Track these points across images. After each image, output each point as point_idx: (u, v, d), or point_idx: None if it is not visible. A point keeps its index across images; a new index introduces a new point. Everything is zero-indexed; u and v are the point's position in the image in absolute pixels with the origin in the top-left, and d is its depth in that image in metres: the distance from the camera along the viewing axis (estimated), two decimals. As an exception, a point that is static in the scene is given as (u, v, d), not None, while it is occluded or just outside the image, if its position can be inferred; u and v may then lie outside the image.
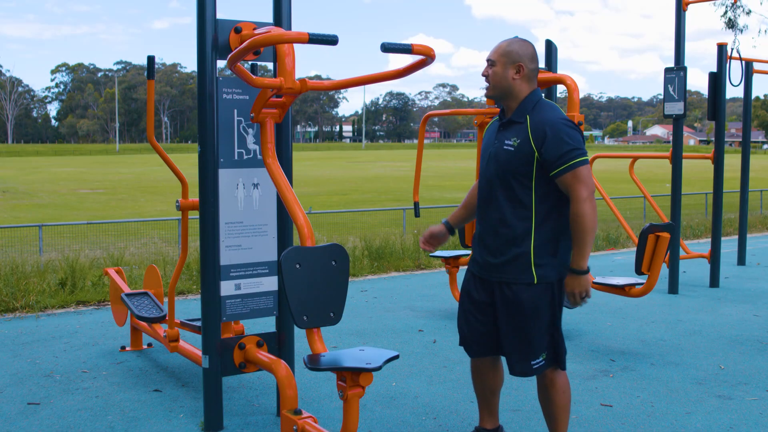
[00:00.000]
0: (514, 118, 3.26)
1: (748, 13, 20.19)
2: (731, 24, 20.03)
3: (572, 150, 3.13)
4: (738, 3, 19.73)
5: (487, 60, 3.32)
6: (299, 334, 4.83)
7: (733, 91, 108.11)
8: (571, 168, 3.12)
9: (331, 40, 3.05)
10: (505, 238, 3.26)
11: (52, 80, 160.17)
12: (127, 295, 5.56)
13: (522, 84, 3.26)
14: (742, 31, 20.42)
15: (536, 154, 3.15)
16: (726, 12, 19.86)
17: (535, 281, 3.23)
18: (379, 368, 3.16)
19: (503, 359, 3.60)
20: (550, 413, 3.46)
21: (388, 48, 3.11)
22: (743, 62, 9.01)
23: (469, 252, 7.08)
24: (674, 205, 8.09)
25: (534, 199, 3.21)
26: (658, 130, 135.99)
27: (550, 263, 3.25)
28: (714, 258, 8.55)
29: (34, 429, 4.09)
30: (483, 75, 3.33)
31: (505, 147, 3.23)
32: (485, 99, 6.56)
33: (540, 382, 3.46)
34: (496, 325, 3.38)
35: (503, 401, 4.48)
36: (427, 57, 3.26)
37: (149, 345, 5.81)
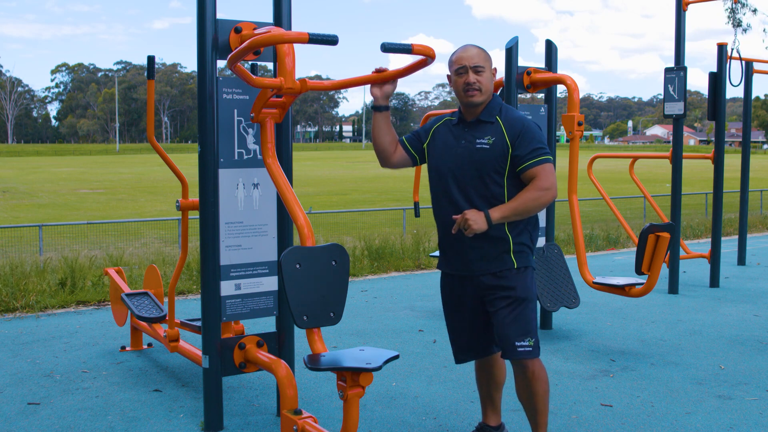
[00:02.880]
0: (483, 118, 3.37)
1: (754, 11, 20.17)
2: (735, 21, 20.01)
3: (542, 148, 3.34)
4: (741, 1, 19.72)
5: (472, 67, 3.33)
6: (299, 334, 4.83)
7: (733, 91, 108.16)
8: (540, 163, 3.32)
9: (331, 40, 3.05)
10: (484, 235, 3.33)
11: (52, 80, 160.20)
12: (127, 295, 5.56)
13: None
14: (745, 30, 20.41)
15: (510, 149, 3.31)
16: (732, 9, 19.83)
17: (516, 266, 3.39)
18: (379, 368, 3.16)
19: None
20: (533, 406, 3.46)
21: (388, 48, 3.11)
22: (743, 62, 9.01)
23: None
24: (674, 205, 8.09)
25: (506, 194, 3.35)
26: (658, 130, 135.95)
27: (527, 251, 3.45)
28: (714, 258, 8.55)
29: (34, 429, 4.09)
30: (469, 83, 3.32)
31: (478, 146, 3.34)
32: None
33: (522, 375, 3.43)
34: (486, 320, 3.52)
35: (503, 402, 4.47)
36: (427, 57, 3.27)
37: (149, 345, 5.80)
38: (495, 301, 3.41)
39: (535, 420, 3.50)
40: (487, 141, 3.33)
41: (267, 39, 3.25)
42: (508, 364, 3.68)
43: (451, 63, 3.41)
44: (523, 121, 3.36)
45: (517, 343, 3.36)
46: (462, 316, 3.58)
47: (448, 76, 3.49)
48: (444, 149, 3.43)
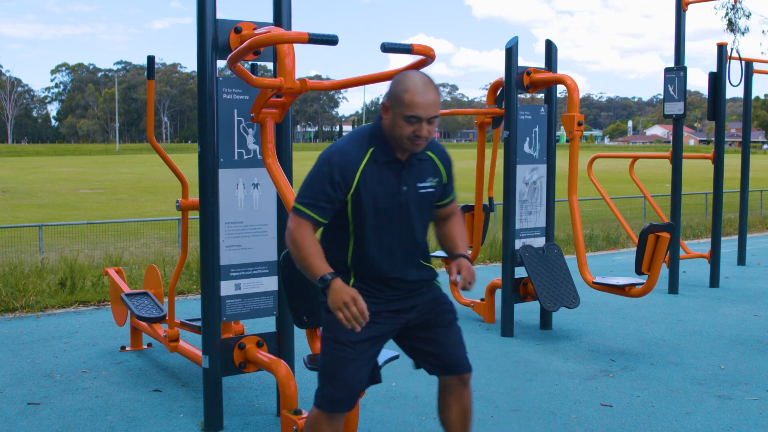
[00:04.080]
0: (418, 155, 2.90)
1: (749, 16, 20.23)
2: (731, 26, 20.06)
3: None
4: (738, 4, 19.77)
5: (429, 119, 2.77)
6: (299, 334, 4.83)
7: (733, 91, 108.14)
8: (455, 195, 3.13)
9: (331, 40, 3.05)
10: (424, 272, 3.04)
11: (52, 80, 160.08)
12: (127, 295, 5.56)
13: None
14: (743, 33, 20.47)
15: (445, 184, 3.02)
16: (727, 14, 19.91)
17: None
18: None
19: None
20: (466, 423, 3.10)
21: (388, 48, 3.10)
22: (743, 62, 9.01)
23: (468, 252, 7.07)
24: (674, 205, 8.09)
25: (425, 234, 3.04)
26: (658, 130, 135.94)
27: None
28: (714, 258, 8.55)
29: (34, 429, 4.09)
30: (422, 135, 2.77)
31: (422, 191, 2.91)
32: (485, 99, 6.60)
33: (464, 392, 3.08)
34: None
35: (503, 401, 4.48)
36: (427, 57, 3.26)
37: (149, 345, 5.80)
38: (443, 316, 3.05)
39: None
40: (430, 184, 2.94)
41: (267, 39, 3.25)
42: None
43: (399, 101, 2.76)
44: (446, 154, 3.02)
45: (467, 355, 3.08)
46: (375, 353, 3.00)
47: (383, 103, 2.84)
48: (384, 197, 2.85)
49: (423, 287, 3.04)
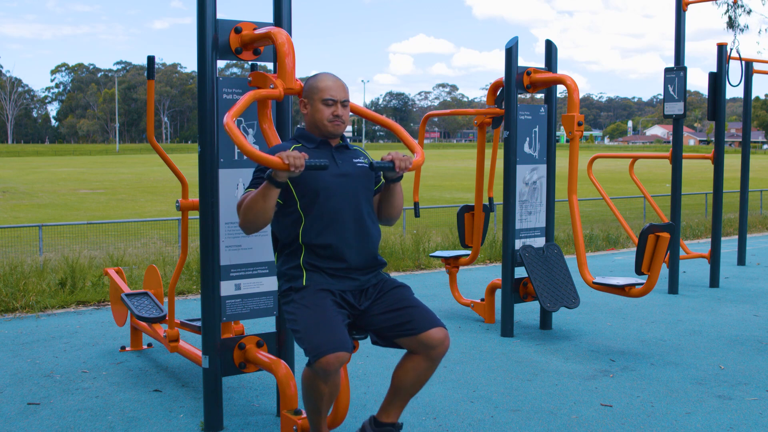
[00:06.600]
0: (344, 143, 3.44)
1: (749, 12, 20.25)
2: (731, 23, 20.08)
3: None
4: (738, 2, 19.79)
5: (341, 101, 3.33)
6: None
7: (733, 91, 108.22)
8: None
9: (322, 167, 3.06)
10: (376, 251, 3.43)
11: (52, 80, 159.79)
12: (127, 295, 5.56)
13: None
14: (743, 31, 20.48)
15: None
16: (727, 11, 19.92)
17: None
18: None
19: None
20: (414, 391, 3.40)
21: (376, 168, 3.22)
22: (743, 62, 9.01)
23: (468, 252, 7.08)
24: (674, 205, 8.09)
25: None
26: (658, 130, 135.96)
27: None
28: (714, 258, 8.55)
29: (34, 429, 4.09)
30: (338, 115, 3.32)
31: (359, 165, 3.38)
32: (485, 99, 6.60)
33: (430, 362, 3.29)
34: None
35: (503, 401, 4.48)
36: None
37: (149, 345, 5.80)
38: (398, 290, 3.37)
39: (407, 401, 3.47)
40: (364, 161, 3.41)
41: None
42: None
43: (314, 89, 3.34)
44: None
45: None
46: (344, 316, 3.27)
47: (301, 101, 3.41)
48: (317, 176, 3.25)
49: (371, 270, 3.36)
